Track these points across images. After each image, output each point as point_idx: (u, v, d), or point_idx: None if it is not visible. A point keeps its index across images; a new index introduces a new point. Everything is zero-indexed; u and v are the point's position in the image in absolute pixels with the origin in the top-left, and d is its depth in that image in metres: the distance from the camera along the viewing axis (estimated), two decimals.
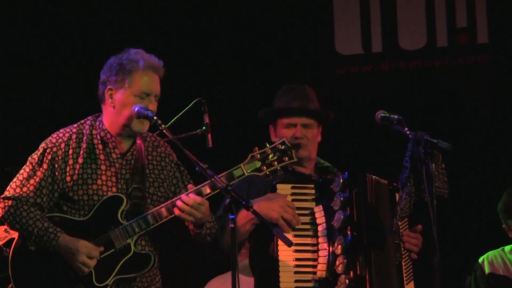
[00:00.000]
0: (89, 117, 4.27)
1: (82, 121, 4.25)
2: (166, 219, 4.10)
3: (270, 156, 4.14)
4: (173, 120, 4.78)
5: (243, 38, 7.07)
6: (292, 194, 4.27)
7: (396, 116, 4.27)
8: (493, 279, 5.34)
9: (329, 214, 4.21)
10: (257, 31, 7.07)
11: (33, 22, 6.95)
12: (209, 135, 4.87)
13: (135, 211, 4.13)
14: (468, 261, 5.61)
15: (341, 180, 4.23)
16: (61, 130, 4.22)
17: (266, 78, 6.85)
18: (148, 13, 7.10)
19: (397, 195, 4.31)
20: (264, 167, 4.13)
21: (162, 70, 4.19)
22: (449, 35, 6.91)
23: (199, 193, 4.06)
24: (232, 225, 3.78)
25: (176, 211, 4.04)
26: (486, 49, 6.84)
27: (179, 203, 4.04)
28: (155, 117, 4.05)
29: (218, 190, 4.02)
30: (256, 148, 4.15)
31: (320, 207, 4.25)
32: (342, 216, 4.17)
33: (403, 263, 4.39)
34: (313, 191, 4.29)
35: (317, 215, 4.25)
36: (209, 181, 4.03)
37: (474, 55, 6.83)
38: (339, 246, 4.14)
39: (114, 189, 4.14)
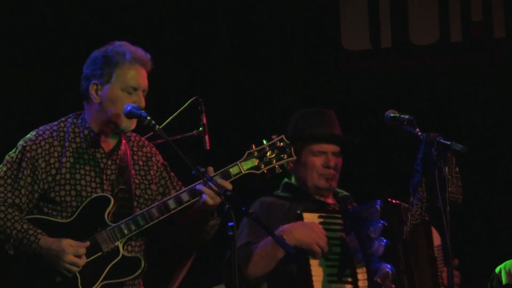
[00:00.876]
0: (70, 115, 4.15)
1: (63, 119, 4.14)
2: (157, 220, 3.99)
3: (268, 153, 4.06)
4: (168, 120, 4.68)
5: (245, 33, 7.03)
6: (319, 223, 4.27)
7: (406, 116, 4.19)
8: None
9: (364, 243, 4.22)
10: (257, 28, 7.02)
11: (13, 18, 6.82)
12: (206, 137, 4.79)
13: (121, 214, 4.02)
14: (484, 271, 5.56)
15: (378, 208, 4.24)
16: (41, 128, 4.10)
17: (268, 77, 6.83)
18: (146, 10, 7.03)
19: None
20: (262, 165, 4.05)
21: (149, 63, 4.09)
22: (464, 29, 6.88)
23: (192, 195, 3.97)
24: (231, 233, 3.65)
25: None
26: (503, 44, 6.81)
27: (201, 187, 3.88)
28: (148, 117, 3.92)
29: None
30: (254, 145, 4.07)
31: (353, 236, 4.27)
32: (383, 243, 4.18)
33: None
34: (340, 221, 4.31)
35: (350, 244, 4.26)
36: (201, 181, 3.93)
37: (489, 51, 6.80)
38: (382, 274, 4.16)
39: (99, 191, 4.04)
